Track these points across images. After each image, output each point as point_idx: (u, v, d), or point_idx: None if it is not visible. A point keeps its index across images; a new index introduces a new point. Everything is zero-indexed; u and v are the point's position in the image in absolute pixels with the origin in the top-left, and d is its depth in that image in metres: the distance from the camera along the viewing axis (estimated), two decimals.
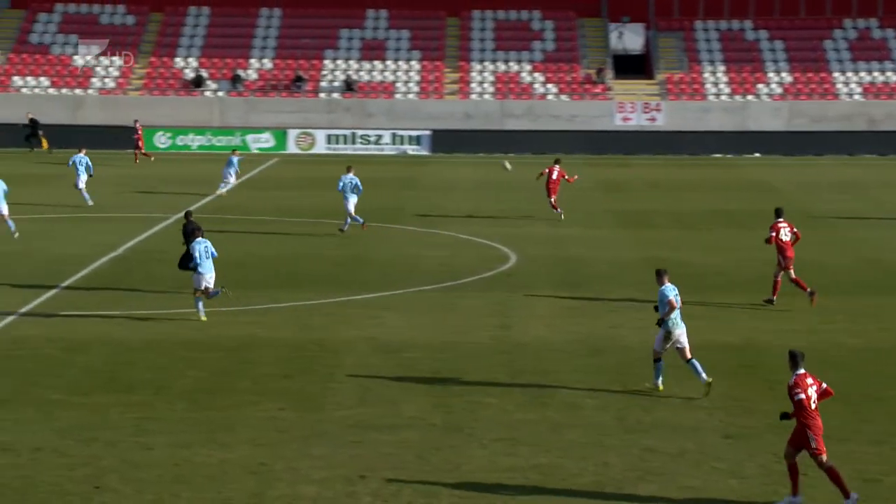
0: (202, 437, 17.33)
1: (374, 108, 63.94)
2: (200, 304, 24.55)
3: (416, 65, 66.88)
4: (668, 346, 19.75)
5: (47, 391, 19.46)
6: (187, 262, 25.38)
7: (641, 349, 21.68)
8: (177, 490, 15.35)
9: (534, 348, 22.64)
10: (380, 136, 62.54)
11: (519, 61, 66.67)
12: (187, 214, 28.15)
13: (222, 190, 44.32)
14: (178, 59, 66.81)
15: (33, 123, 60.59)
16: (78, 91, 64.51)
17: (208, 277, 24.50)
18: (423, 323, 24.73)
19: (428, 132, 62.43)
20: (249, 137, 62.20)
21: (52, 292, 27.08)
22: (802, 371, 14.90)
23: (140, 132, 57.47)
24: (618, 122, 62.89)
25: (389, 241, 35.24)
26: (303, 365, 21.42)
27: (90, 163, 42.41)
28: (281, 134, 62.33)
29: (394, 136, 62.64)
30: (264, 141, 62.06)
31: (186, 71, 66.02)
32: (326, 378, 20.62)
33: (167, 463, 16.27)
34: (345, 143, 62.02)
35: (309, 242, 34.71)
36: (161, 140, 62.05)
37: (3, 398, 19.07)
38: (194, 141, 61.92)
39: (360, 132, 62.51)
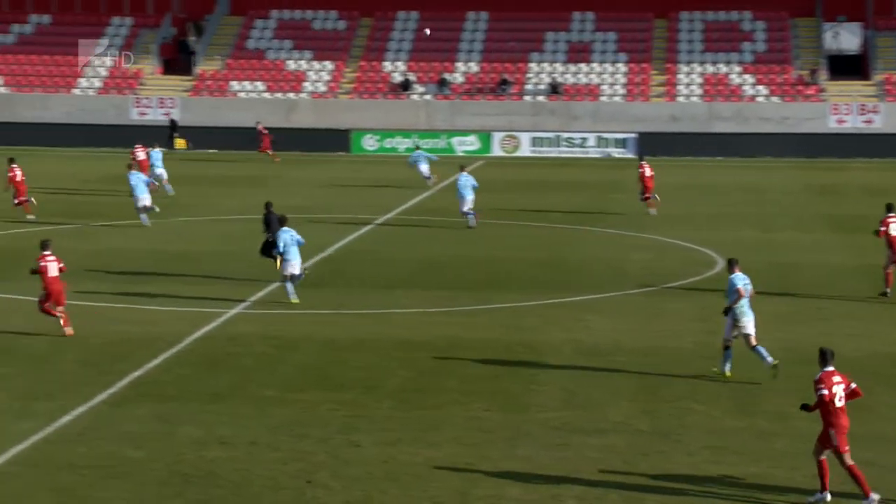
0: (410, 436, 17.63)
1: (580, 110, 63.78)
2: (290, 288, 25.91)
3: (622, 67, 66.42)
4: (736, 333, 20.53)
5: (262, 388, 20.08)
6: (269, 250, 26.77)
7: (855, 359, 21.05)
8: (384, 487, 15.65)
9: (741, 355, 22.23)
10: (584, 139, 62.34)
11: (728, 62, 65.52)
12: (268, 205, 29.19)
13: (430, 182, 45.38)
14: (386, 63, 67.98)
15: (172, 124, 62.73)
16: (291, 95, 66.32)
17: (294, 264, 25.96)
18: (628, 327, 24.57)
19: (633, 135, 61.94)
20: (455, 140, 62.82)
21: (266, 291, 27.91)
22: (831, 368, 15.22)
23: (264, 133, 58.55)
24: (832, 125, 61.15)
25: (593, 243, 35.13)
26: (509, 366, 21.56)
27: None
28: (486, 136, 62.77)
29: (599, 138, 62.36)
30: (469, 143, 62.59)
31: (395, 74, 67.12)
32: (531, 380, 20.71)
33: (375, 460, 16.60)
34: (549, 145, 62.06)
35: (514, 244, 34.86)
36: (369, 143, 63.24)
37: (222, 393, 19.77)
38: (401, 143, 62.90)
39: (564, 135, 62.44)
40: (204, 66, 68.09)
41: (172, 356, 21.93)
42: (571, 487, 15.63)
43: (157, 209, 37.78)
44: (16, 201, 38.67)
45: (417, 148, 50.11)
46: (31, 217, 38.26)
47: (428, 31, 44.51)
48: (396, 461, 16.58)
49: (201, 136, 61.54)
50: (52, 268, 23.39)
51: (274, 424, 18.09)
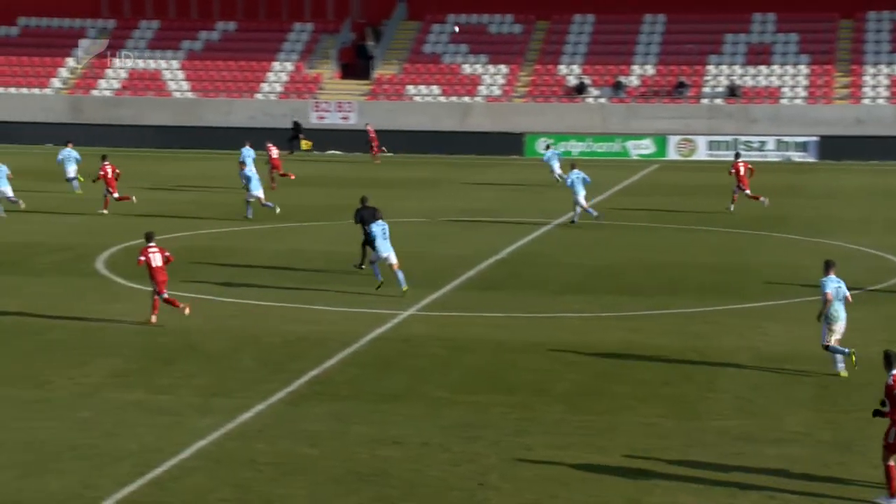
0: (581, 440, 17.54)
1: (759, 113, 62.59)
2: (400, 276, 27.11)
3: (803, 69, 64.94)
4: (831, 337, 20.56)
5: (435, 389, 20.24)
6: (368, 242, 28.66)
7: None
8: (555, 491, 15.60)
9: None
10: (763, 143, 61.14)
11: None
12: (363, 200, 30.54)
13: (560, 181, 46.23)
14: (561, 67, 67.87)
15: (296, 126, 63.58)
16: (466, 98, 66.73)
17: (384, 253, 27.36)
18: (807, 334, 23.94)
19: (815, 138, 60.47)
20: (630, 144, 62.33)
21: (441, 292, 28.13)
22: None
23: (373, 135, 59.06)
24: None
25: (772, 249, 34.41)
26: (682, 372, 21.27)
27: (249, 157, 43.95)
28: (661, 140, 62.09)
29: (778, 142, 61.09)
30: (644, 147, 62.02)
31: (569, 78, 66.95)
32: (706, 386, 20.39)
33: (547, 464, 16.56)
34: (726, 149, 60.98)
35: (689, 249, 34.40)
36: (543, 146, 63.22)
37: (396, 394, 19.99)
38: (575, 147, 62.69)
39: (742, 138, 61.32)
40: (381, 71, 69.05)
41: (347, 356, 22.28)
42: (748, 495, 15.33)
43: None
44: (115, 196, 40.33)
45: (549, 147, 50.20)
46: (103, 211, 40.05)
47: (457, 28, 45.95)
48: (567, 465, 16.51)
49: (379, 139, 62.38)
50: (157, 258, 24.43)
51: (446, 425, 18.21)
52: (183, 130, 65.53)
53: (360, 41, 72.27)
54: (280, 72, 69.57)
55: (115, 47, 71.93)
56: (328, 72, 69.82)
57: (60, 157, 45.61)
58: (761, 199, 40.87)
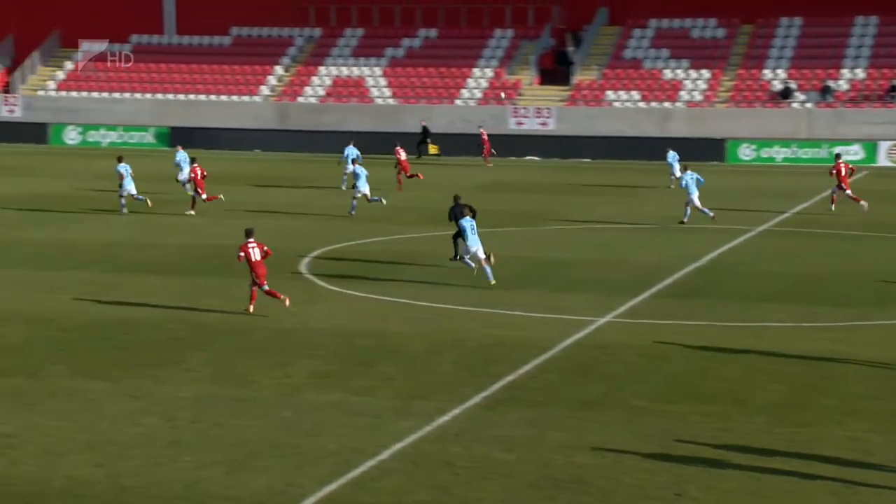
0: (782, 453, 17.09)
1: None
2: (488, 270, 28.70)
3: None
4: None
5: (631, 396, 20.04)
6: (458, 237, 30.44)
7: None
8: None
9: None
10: None
11: None
12: (456, 198, 32.39)
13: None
14: (766, 71, 66.42)
15: (424, 131, 64.11)
16: (666, 104, 65.96)
17: (474, 249, 28.93)
18: None
19: None
20: (837, 150, 60.57)
21: (638, 299, 27.85)
22: None
23: (485, 138, 59.13)
24: None
25: None
26: (893, 386, 20.52)
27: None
28: (871, 146, 60.14)
29: None
30: (853, 153, 60.09)
31: (774, 82, 65.46)
32: None
33: (746, 476, 16.20)
34: None
35: None
36: (745, 152, 61.98)
37: (592, 401, 19.87)
38: (779, 153, 61.23)
39: None
40: (581, 76, 68.83)
41: (543, 362, 22.25)
42: None
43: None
44: (204, 197, 41.34)
45: (669, 150, 50.36)
46: (190, 213, 41.16)
47: (503, 95, 47.54)
48: (768, 478, 16.12)
49: (575, 146, 62.36)
50: (255, 252, 25.89)
51: (643, 434, 18.00)
52: (383, 136, 66.57)
53: (560, 47, 72.19)
54: (479, 78, 70.04)
55: (320, 55, 73.68)
56: (527, 78, 69.96)
57: (177, 159, 46.51)
58: (861, 202, 41.22)
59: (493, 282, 28.68)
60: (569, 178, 53.85)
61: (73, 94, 73.41)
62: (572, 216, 41.57)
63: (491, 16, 73.90)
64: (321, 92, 71.18)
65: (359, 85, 71.16)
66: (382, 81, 71.06)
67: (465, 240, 29.42)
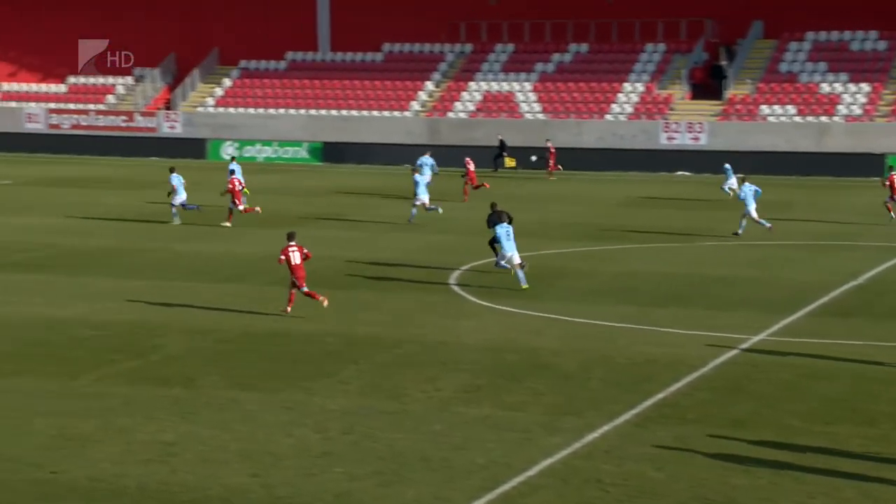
0: None
1: None
2: (520, 274, 30.05)
3: None
4: None
5: (786, 416, 19.60)
6: (493, 243, 31.96)
7: None
8: None
9: None
10: None
11: None
12: (493, 205, 33.03)
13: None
14: None
15: (501, 145, 64.90)
16: (823, 118, 64.59)
17: (509, 254, 30.26)
18: None
19: None
20: None
21: (794, 317, 27.28)
22: None
23: (553, 151, 59.44)
24: None
25: None
26: None
27: None
28: None
29: None
30: None
31: None
32: None
33: None
34: None
35: None
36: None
37: (745, 420, 19.50)
38: None
39: None
40: (734, 91, 67.85)
41: (695, 379, 21.93)
42: None
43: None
44: (241, 208, 42.40)
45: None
46: (226, 224, 42.01)
47: (534, 158, 49.69)
48: None
49: (728, 161, 61.44)
50: (296, 256, 27.13)
51: (799, 455, 17.58)
52: (532, 151, 66.54)
53: (713, 61, 71.30)
54: (630, 93, 69.58)
55: (470, 70, 74.09)
56: (679, 92, 69.25)
57: (232, 167, 47.11)
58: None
59: (526, 286, 29.81)
60: (721, 193, 53.06)
61: (231, 110, 75.19)
62: (725, 232, 40.94)
63: (642, 30, 73.37)
64: (471, 107, 71.54)
65: (508, 100, 71.32)
66: (532, 96, 71.10)
67: (500, 246, 30.64)
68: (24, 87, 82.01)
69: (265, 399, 20.55)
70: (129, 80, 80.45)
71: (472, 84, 73.00)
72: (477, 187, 50.49)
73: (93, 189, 55.74)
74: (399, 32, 77.03)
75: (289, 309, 27.12)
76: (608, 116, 68.65)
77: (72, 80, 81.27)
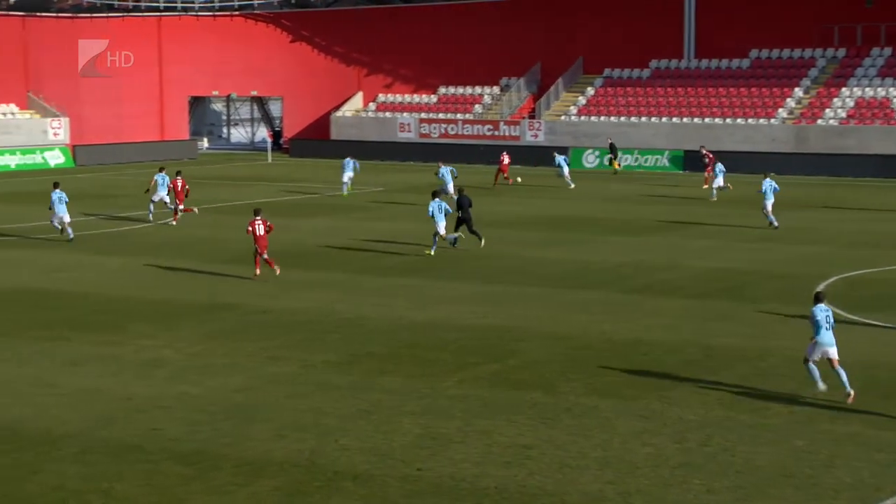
0: None
1: None
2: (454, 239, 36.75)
3: None
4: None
5: None
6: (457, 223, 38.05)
7: None
8: None
9: None
10: None
11: None
12: (460, 190, 39.26)
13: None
14: None
15: (611, 147, 67.09)
16: None
17: (440, 226, 36.53)
18: None
19: None
20: None
21: None
22: None
23: (710, 158, 56.55)
24: None
25: None
26: None
27: None
28: None
29: None
30: None
31: None
32: None
33: None
34: None
35: None
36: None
37: None
38: None
39: None
40: None
41: None
42: None
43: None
44: (181, 208, 45.24)
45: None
46: (172, 222, 44.66)
47: (519, 179, 48.83)
48: None
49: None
50: (259, 228, 32.47)
51: None
52: None
53: None
54: None
55: (843, 76, 71.36)
56: None
57: (347, 168, 55.34)
58: None
59: (431, 253, 36.35)
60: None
61: (593, 118, 75.61)
62: None
63: None
64: (842, 114, 68.88)
65: (884, 106, 68.17)
66: None
67: (435, 222, 36.25)
68: (398, 97, 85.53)
69: (623, 407, 20.46)
70: (496, 89, 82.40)
71: (845, 90, 70.26)
72: (506, 179, 57.20)
73: None
74: (768, 38, 75.17)
75: (257, 272, 32.54)
76: None
77: (442, 90, 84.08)
